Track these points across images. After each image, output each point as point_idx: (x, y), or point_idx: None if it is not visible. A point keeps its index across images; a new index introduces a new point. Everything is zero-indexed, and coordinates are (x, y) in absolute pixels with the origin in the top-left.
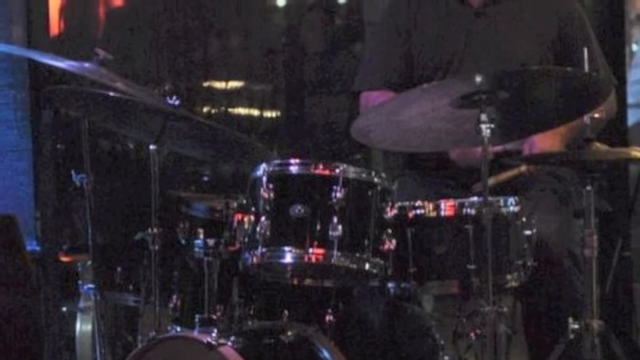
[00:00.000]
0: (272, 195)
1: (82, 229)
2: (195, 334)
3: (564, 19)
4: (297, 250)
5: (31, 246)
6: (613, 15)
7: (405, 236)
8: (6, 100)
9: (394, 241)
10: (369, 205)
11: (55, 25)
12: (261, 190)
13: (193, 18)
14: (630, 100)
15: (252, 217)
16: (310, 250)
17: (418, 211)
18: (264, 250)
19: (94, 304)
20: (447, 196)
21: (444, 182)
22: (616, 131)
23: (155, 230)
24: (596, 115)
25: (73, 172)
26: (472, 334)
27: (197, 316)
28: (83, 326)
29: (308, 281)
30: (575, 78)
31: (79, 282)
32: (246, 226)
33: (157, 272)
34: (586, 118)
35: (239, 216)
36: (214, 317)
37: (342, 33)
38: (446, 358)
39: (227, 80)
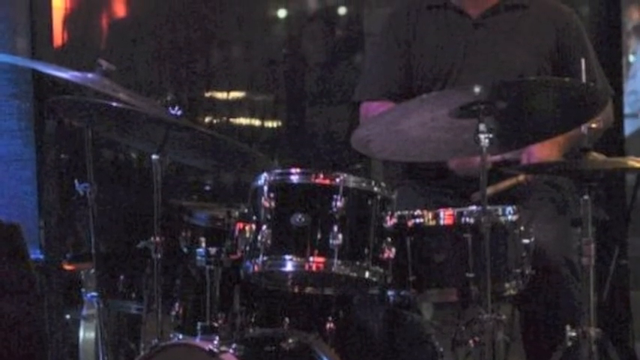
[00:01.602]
0: (273, 204)
1: (85, 237)
2: (197, 341)
3: (562, 30)
4: (298, 259)
5: (35, 254)
6: (610, 26)
7: (404, 245)
8: (10, 110)
9: (394, 250)
10: (369, 214)
11: (58, 36)
12: (263, 199)
13: (195, 29)
14: (627, 110)
15: (254, 226)
16: (311, 259)
17: (417, 220)
18: (265, 258)
19: (97, 311)
20: (445, 205)
21: (443, 191)
22: (613, 141)
23: (157, 239)
24: (594, 125)
25: (76, 181)
26: (471, 342)
27: (199, 323)
28: (86, 334)
29: (308, 289)
30: (573, 88)
31: (83, 290)
32: (247, 234)
33: (160, 280)
34: (583, 128)
35: (240, 225)
36: (216, 325)
37: (342, 44)
38: None
39: (229, 90)
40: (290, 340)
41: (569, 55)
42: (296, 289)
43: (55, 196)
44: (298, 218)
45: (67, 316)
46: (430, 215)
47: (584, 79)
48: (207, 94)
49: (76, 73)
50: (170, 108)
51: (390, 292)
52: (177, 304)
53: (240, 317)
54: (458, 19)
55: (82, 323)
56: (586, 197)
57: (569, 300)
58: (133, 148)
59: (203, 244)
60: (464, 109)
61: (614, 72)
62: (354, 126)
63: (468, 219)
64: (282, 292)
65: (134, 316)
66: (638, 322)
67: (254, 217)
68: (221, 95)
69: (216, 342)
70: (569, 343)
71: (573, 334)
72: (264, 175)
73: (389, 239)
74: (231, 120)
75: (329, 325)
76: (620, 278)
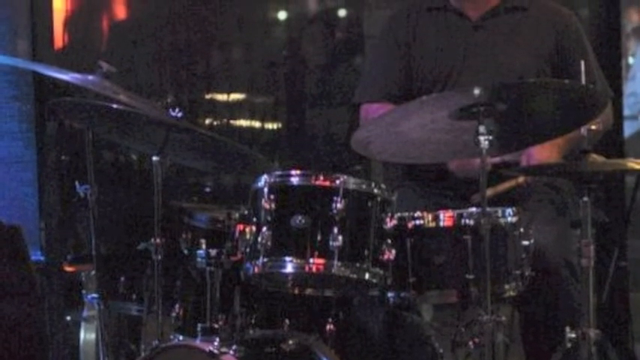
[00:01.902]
0: (273, 206)
1: (85, 239)
2: (198, 342)
3: (561, 32)
4: (298, 260)
5: (36, 256)
6: (610, 28)
7: (404, 246)
8: (11, 112)
9: (394, 251)
10: (369, 215)
11: (59, 38)
12: (263, 200)
13: (196, 31)
14: (626, 112)
15: (254, 228)
16: (311, 260)
17: (417, 222)
18: (265, 260)
19: (97, 313)
20: (445, 207)
21: (443, 193)
22: (612, 143)
23: (158, 240)
24: (593, 127)
25: (77, 183)
26: (471, 343)
27: (199, 325)
28: (87, 335)
29: (309, 291)
30: (572, 90)
31: (83, 291)
32: (247, 236)
33: (160, 282)
34: (583, 130)
35: (241, 226)
36: (216, 326)
37: (342, 46)
38: None
39: (229, 92)
40: (290, 342)
41: (569, 57)
42: (296, 291)
43: (55, 197)
44: (298, 220)
45: (68, 318)
46: (430, 217)
47: (583, 80)
48: (208, 96)
49: (77, 75)
50: (170, 110)
51: (390, 294)
52: (177, 306)
53: (240, 318)
54: (458, 22)
55: (83, 325)
56: (585, 199)
57: (569, 301)
58: (134, 149)
59: (203, 246)
60: (464, 110)
61: (614, 74)
62: (354, 128)
63: (467, 220)
64: (283, 293)
65: (134, 317)
66: (638, 324)
67: (254, 219)
68: (221, 97)
69: (216, 343)
70: (569, 345)
71: (573, 335)
72: (265, 177)
73: (389, 241)
74: (232, 122)
75: (329, 327)
76: (619, 280)
